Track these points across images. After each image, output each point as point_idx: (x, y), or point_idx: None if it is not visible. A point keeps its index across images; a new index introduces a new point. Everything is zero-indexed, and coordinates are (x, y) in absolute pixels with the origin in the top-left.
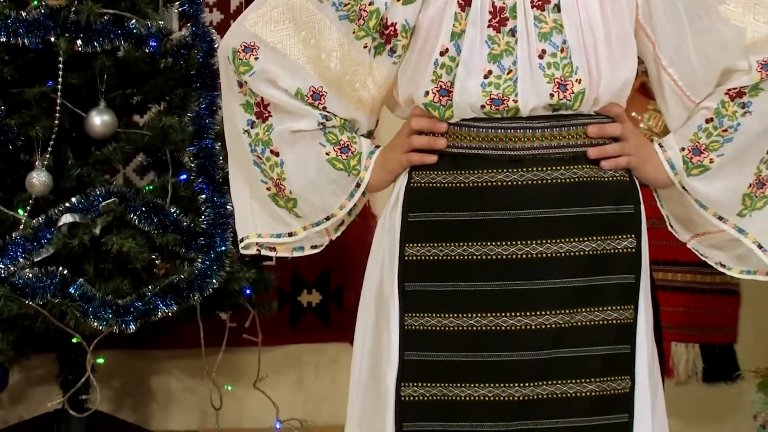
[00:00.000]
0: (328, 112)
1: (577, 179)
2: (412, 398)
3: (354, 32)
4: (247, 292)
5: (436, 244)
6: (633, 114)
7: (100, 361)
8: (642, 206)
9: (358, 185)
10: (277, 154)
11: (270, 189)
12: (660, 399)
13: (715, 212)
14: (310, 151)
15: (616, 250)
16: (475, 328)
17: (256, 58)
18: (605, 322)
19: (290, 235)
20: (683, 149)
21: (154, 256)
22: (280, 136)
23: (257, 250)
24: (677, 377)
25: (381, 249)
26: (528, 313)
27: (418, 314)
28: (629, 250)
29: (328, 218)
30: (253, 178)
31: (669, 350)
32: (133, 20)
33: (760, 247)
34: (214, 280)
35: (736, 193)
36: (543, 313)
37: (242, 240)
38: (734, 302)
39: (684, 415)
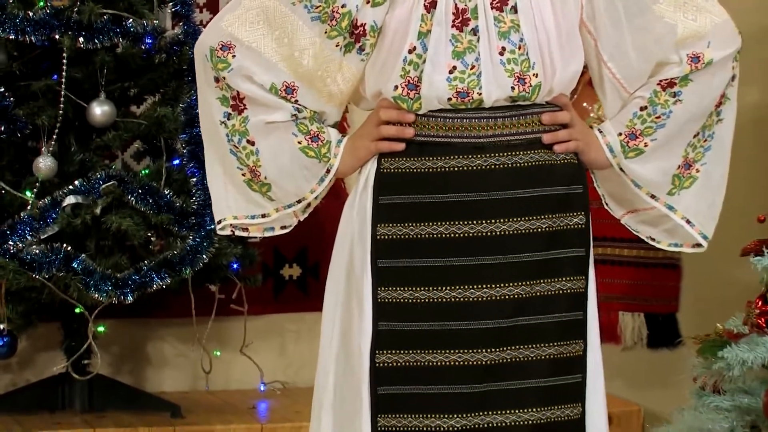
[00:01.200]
0: (300, 104)
1: (533, 163)
2: (386, 364)
3: (326, 32)
4: (234, 266)
5: (406, 224)
6: (584, 104)
7: (101, 329)
8: (588, 186)
9: (328, 171)
10: (252, 144)
11: (245, 175)
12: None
13: (648, 191)
14: (283, 141)
15: (569, 226)
16: (444, 300)
17: (234, 56)
18: (561, 291)
19: (263, 216)
20: (620, 134)
21: (149, 234)
22: (255, 127)
23: (232, 230)
24: (624, 343)
25: (349, 229)
26: (492, 286)
27: (390, 288)
28: (580, 225)
29: (299, 201)
30: (229, 165)
31: (616, 319)
32: (131, 19)
33: (688, 222)
34: (204, 256)
35: (667, 174)
36: (506, 285)
37: (219, 222)
38: (676, 275)
39: (630, 377)
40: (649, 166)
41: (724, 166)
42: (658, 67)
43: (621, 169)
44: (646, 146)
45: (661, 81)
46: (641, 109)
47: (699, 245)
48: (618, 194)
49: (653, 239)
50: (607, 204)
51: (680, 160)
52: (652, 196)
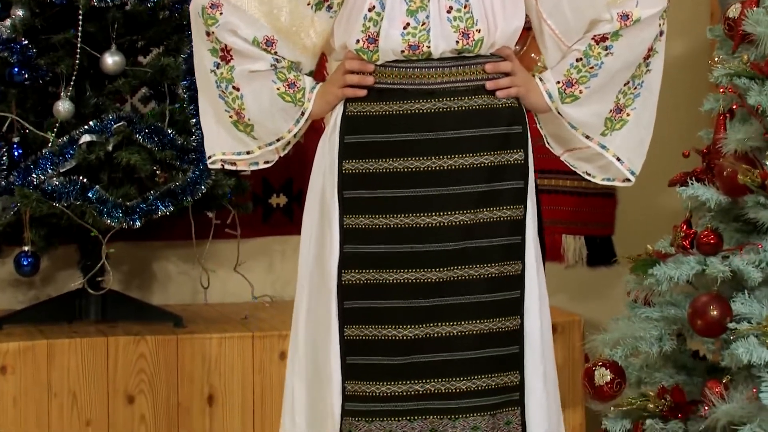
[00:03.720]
0: (279, 55)
1: (477, 106)
2: (350, 282)
3: None
4: (229, 195)
5: (367, 160)
6: (532, 55)
7: (113, 250)
8: (528, 126)
9: (302, 113)
10: (238, 89)
11: (232, 117)
12: (542, 276)
13: (583, 132)
14: (264, 87)
15: (509, 162)
16: (399, 226)
17: (221, 13)
18: (502, 218)
19: (248, 153)
20: (558, 82)
21: (155, 168)
22: (240, 75)
23: (222, 165)
24: (567, 262)
25: (322, 163)
26: (442, 213)
27: (354, 215)
28: (519, 161)
29: (278, 140)
30: (218, 108)
31: (560, 240)
32: None
33: (618, 159)
34: (202, 187)
35: (600, 117)
36: (454, 212)
37: (210, 157)
38: (612, 203)
39: (572, 292)
40: (584, 110)
41: (651, 110)
42: (593, 23)
43: (559, 112)
44: (580, 93)
45: (595, 36)
46: (577, 60)
47: (628, 180)
48: (557, 135)
49: (589, 174)
50: (548, 143)
51: (612, 105)
52: (587, 137)
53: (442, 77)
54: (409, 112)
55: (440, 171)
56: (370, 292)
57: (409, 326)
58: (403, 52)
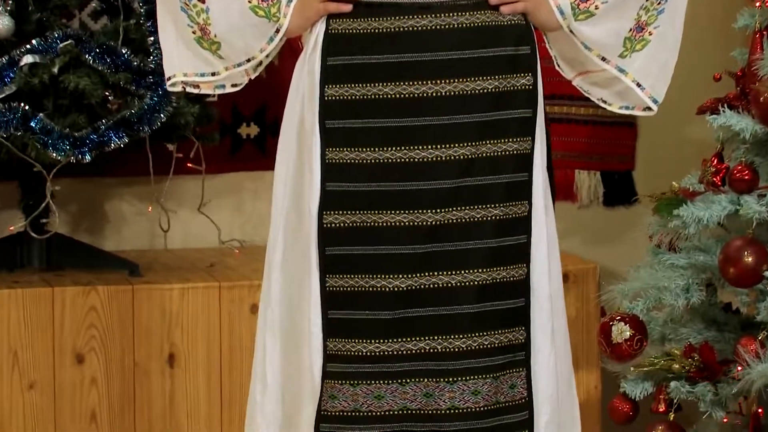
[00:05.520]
0: None
1: (480, 23)
2: (333, 225)
3: None
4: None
5: (353, 85)
6: None
7: (59, 188)
8: (537, 47)
9: (277, 30)
10: (203, 1)
11: (195, 33)
12: (552, 218)
13: (599, 53)
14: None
15: (516, 87)
16: (390, 161)
17: None
18: (507, 152)
19: (213, 74)
20: None
21: (107, 93)
22: None
23: (182, 87)
24: (580, 201)
25: (300, 88)
26: (438, 146)
27: (338, 148)
28: (527, 87)
29: (249, 60)
30: (180, 23)
31: (573, 177)
32: None
33: (638, 85)
34: (162, 115)
35: (619, 36)
36: (452, 145)
37: (169, 78)
38: (632, 133)
39: (587, 234)
40: (600, 28)
41: (677, 28)
42: None
43: (571, 31)
44: (596, 9)
45: None
46: None
47: (649, 109)
48: (569, 55)
49: (604, 101)
50: (558, 65)
51: (632, 22)
52: (603, 59)
53: None
54: (402, 29)
55: (438, 97)
56: (355, 236)
57: (400, 276)
58: None
